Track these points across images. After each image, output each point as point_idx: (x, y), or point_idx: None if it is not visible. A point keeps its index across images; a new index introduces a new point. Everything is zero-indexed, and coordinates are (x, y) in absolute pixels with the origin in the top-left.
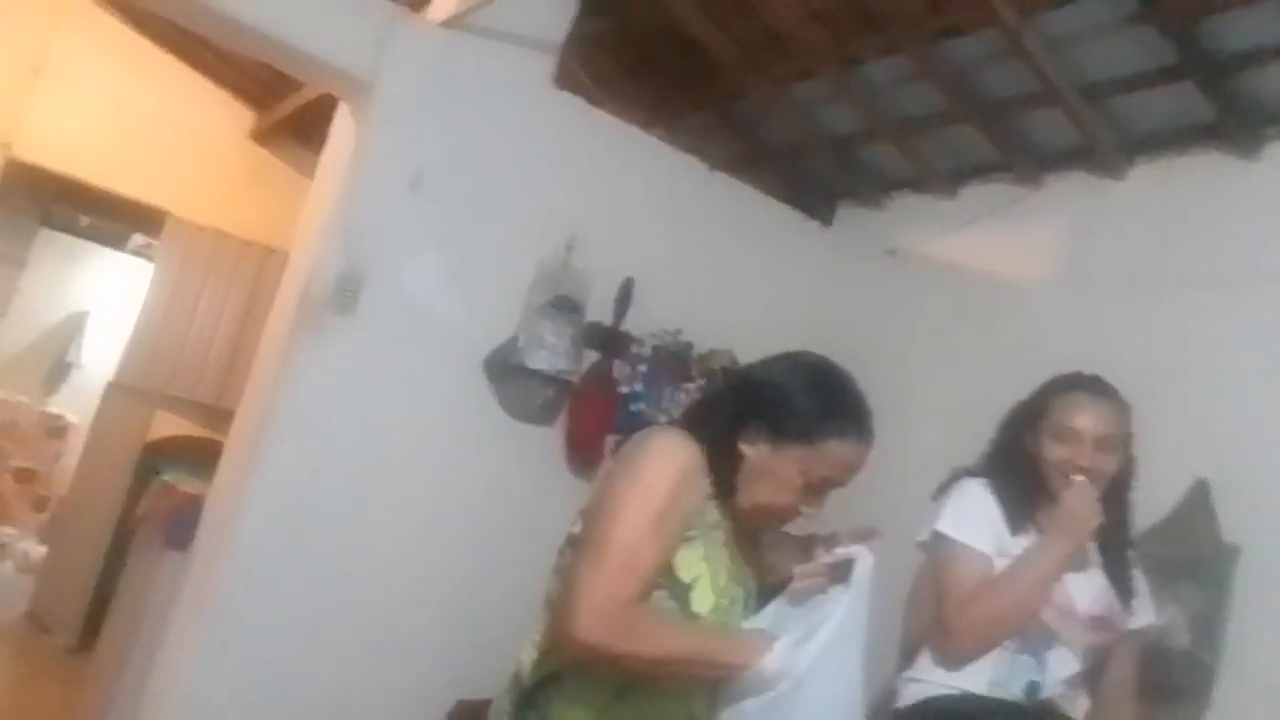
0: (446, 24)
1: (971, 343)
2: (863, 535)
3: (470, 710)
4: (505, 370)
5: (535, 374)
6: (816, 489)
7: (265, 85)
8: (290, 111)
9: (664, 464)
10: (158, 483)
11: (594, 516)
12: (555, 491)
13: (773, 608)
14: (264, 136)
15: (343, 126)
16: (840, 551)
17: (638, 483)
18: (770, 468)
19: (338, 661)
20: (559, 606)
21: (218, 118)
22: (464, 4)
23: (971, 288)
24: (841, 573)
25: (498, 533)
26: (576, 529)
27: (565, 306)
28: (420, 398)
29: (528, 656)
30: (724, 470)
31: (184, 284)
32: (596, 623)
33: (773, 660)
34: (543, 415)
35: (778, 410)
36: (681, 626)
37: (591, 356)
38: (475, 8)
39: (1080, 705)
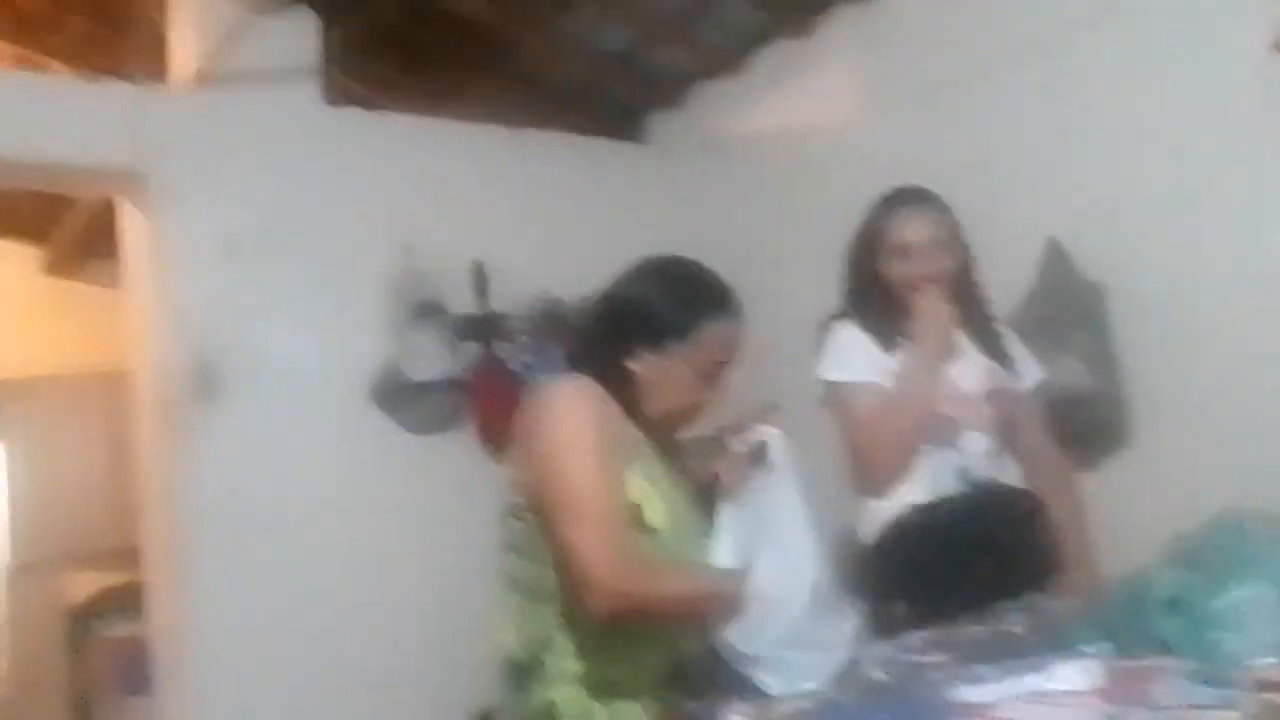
0: (197, 83)
1: (809, 201)
2: (762, 414)
3: (493, 715)
4: (394, 393)
5: (424, 386)
6: (711, 376)
7: (39, 215)
8: (76, 232)
9: (575, 410)
10: (95, 641)
11: (542, 483)
12: (485, 485)
13: (722, 516)
14: (58, 267)
15: (133, 225)
16: (750, 438)
17: (563, 439)
18: (663, 374)
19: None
20: (571, 578)
21: (3, 265)
22: (203, 58)
23: (794, 147)
24: (759, 456)
25: (443, 547)
26: (519, 499)
27: (429, 310)
28: (320, 449)
29: (510, 636)
30: (625, 394)
31: (40, 442)
32: (619, 576)
33: (754, 585)
34: (447, 422)
35: (647, 318)
36: (680, 566)
37: (472, 349)
38: (215, 57)
39: (1011, 471)
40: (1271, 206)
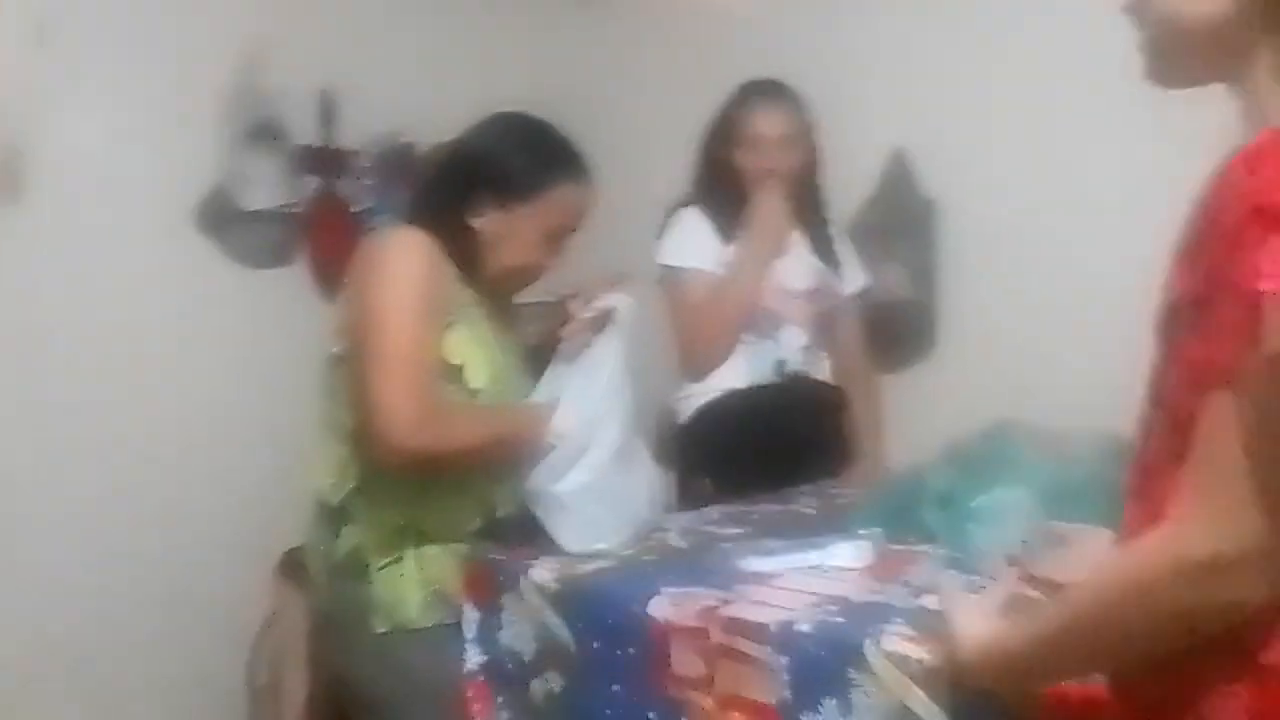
0: None
1: (688, 78)
2: (615, 282)
3: (299, 556)
4: (221, 218)
5: (256, 214)
6: (555, 240)
7: None
8: None
9: (405, 262)
10: None
11: (358, 332)
12: (313, 327)
13: (549, 373)
14: None
15: None
16: (601, 303)
17: (388, 288)
18: (507, 232)
19: (144, 559)
20: (367, 427)
21: None
22: None
23: (680, 20)
24: (602, 322)
25: (265, 383)
26: (337, 349)
27: (267, 135)
28: (131, 269)
29: (324, 480)
30: (463, 249)
31: None
32: (413, 429)
33: (561, 422)
34: (277, 256)
35: (496, 174)
36: (482, 412)
37: (312, 183)
38: None
39: (824, 366)
40: (1103, 160)
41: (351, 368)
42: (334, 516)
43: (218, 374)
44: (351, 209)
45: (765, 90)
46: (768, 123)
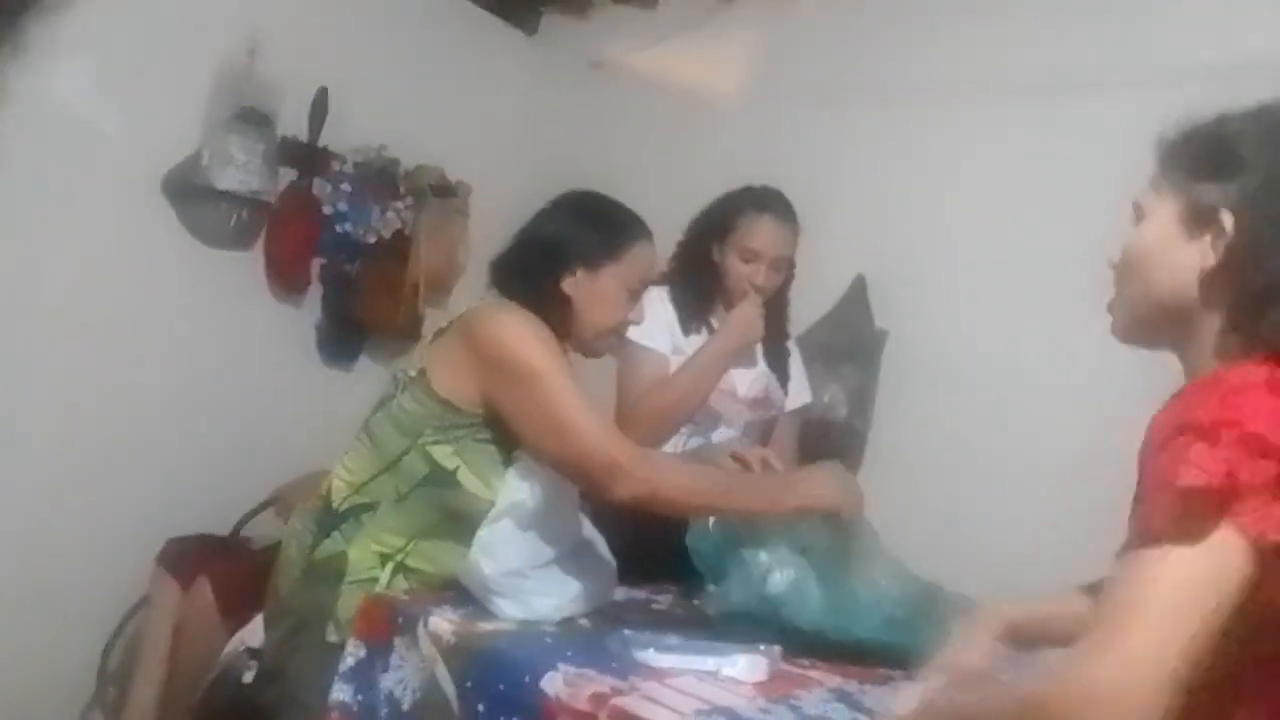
0: None
1: (673, 156)
2: None
3: (183, 548)
4: (189, 191)
5: (225, 194)
6: (635, 295)
7: None
8: None
9: (536, 335)
10: None
11: (520, 409)
12: (257, 318)
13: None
14: None
15: None
16: None
17: (534, 356)
18: (596, 292)
19: (26, 520)
20: (586, 471)
21: None
22: None
23: (672, 101)
24: None
25: (196, 363)
26: (413, 372)
27: (254, 120)
28: (88, 224)
29: (340, 481)
30: (556, 316)
31: None
32: (634, 464)
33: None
34: (236, 239)
35: (585, 238)
36: (696, 466)
37: (289, 175)
38: None
39: None
40: (1051, 335)
41: (506, 434)
42: (331, 518)
43: (147, 347)
44: (322, 209)
45: (775, 205)
46: (773, 241)
